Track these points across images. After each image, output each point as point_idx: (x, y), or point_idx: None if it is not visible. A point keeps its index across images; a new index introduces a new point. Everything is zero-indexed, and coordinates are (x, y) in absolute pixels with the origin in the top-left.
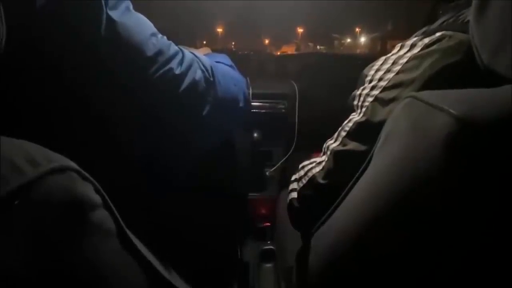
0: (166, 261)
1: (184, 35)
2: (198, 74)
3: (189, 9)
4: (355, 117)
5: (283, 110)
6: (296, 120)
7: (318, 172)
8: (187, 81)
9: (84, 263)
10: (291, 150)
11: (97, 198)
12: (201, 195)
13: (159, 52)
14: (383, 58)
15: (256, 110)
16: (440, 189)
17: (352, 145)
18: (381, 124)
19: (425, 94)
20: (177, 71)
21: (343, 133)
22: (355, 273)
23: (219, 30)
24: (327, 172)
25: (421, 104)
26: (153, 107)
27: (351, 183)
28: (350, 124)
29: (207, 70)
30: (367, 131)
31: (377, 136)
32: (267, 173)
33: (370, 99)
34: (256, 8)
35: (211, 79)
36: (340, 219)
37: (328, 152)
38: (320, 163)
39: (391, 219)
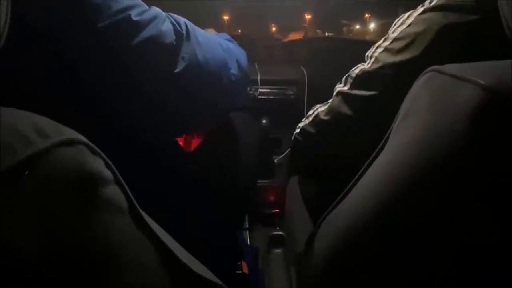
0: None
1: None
2: (166, 26)
3: None
4: (364, 65)
5: (292, 97)
6: (305, 107)
7: (323, 110)
8: (149, 29)
9: (95, 239)
10: None
11: (108, 174)
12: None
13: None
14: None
15: (265, 97)
16: (465, 164)
17: (356, 91)
18: (384, 72)
19: (448, 67)
20: (135, 18)
21: (350, 80)
22: (370, 256)
23: (225, 17)
24: (330, 110)
25: (445, 77)
26: (112, 57)
27: (366, 164)
28: (357, 71)
29: (178, 24)
30: (372, 80)
31: (381, 84)
32: (275, 160)
33: (380, 49)
34: None
35: (183, 33)
36: (353, 202)
37: (334, 93)
38: (327, 103)
39: (412, 199)
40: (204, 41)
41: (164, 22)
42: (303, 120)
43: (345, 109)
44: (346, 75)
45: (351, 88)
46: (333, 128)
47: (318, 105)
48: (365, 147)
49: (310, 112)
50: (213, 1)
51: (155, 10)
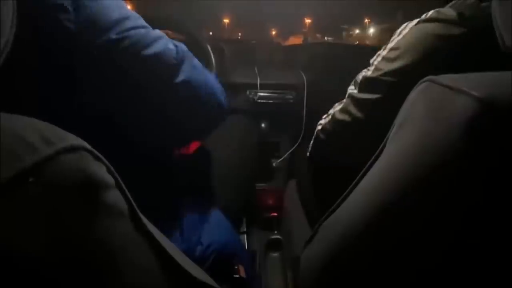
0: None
1: (191, 25)
2: (170, 45)
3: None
4: (366, 72)
5: (291, 101)
6: (304, 111)
7: (338, 109)
8: (157, 45)
9: (96, 243)
10: (298, 141)
11: (109, 179)
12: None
13: (127, 17)
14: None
15: (264, 101)
16: (459, 175)
17: (362, 94)
18: (383, 78)
19: (443, 78)
20: (145, 33)
21: (357, 83)
22: (367, 262)
23: (226, 20)
24: (342, 109)
25: (439, 87)
26: (120, 68)
27: (362, 171)
28: (360, 77)
29: (177, 47)
30: (374, 85)
31: (382, 90)
32: (274, 164)
33: (379, 58)
34: None
35: (181, 55)
36: (351, 207)
37: (347, 95)
38: (341, 102)
39: (406, 207)
40: (199, 66)
41: (168, 43)
42: (323, 117)
43: (354, 111)
44: (355, 78)
45: (359, 91)
46: (345, 127)
47: (337, 104)
48: (371, 146)
49: (331, 110)
50: (214, 4)
51: (159, 32)
